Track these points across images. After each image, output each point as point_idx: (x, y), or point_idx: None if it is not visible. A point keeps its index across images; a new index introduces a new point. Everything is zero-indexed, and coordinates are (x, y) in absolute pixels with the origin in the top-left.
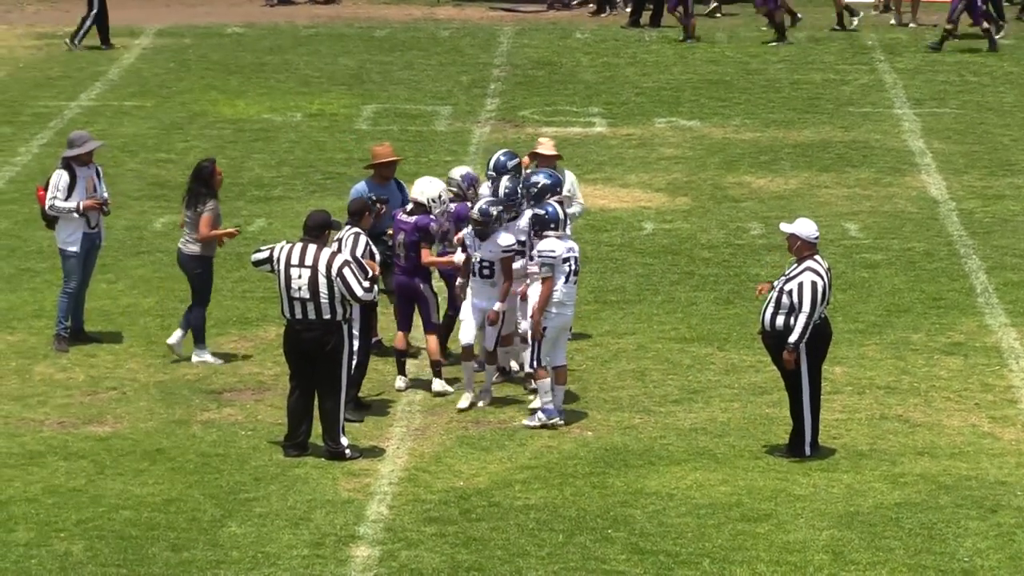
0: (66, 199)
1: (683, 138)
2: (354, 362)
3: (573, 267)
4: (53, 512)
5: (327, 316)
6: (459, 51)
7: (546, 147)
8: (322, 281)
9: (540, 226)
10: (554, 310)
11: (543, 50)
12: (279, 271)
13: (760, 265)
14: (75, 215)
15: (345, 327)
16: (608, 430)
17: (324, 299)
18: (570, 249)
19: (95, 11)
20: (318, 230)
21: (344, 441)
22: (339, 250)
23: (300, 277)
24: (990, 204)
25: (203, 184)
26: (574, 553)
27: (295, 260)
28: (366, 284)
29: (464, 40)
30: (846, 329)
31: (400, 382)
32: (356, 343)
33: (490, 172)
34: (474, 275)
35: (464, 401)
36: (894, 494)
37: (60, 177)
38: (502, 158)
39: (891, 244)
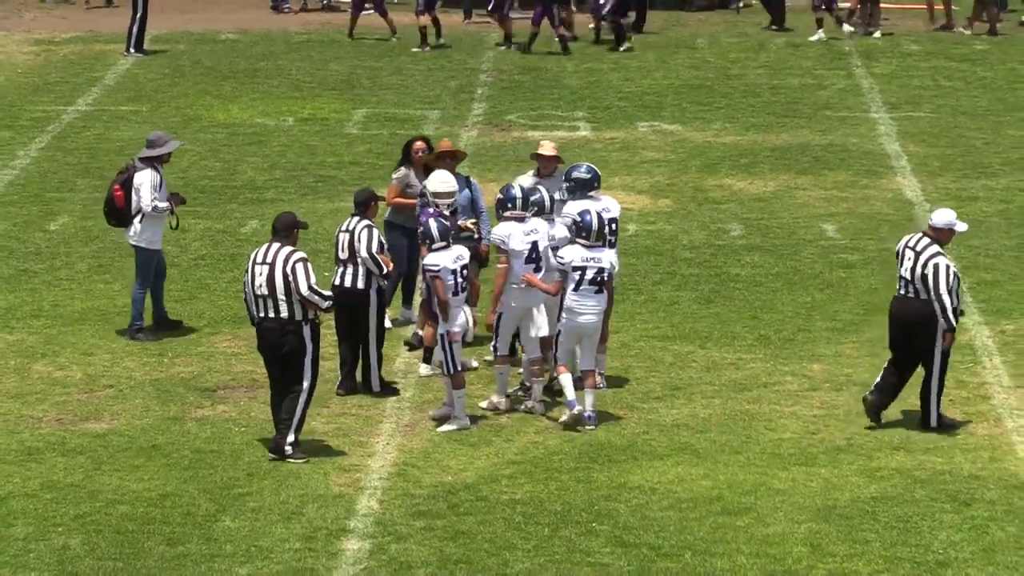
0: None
1: (665, 142)
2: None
3: (589, 276)
4: (51, 507)
5: (284, 315)
6: (446, 57)
7: (546, 148)
8: (279, 276)
9: (576, 232)
10: (564, 316)
11: (528, 56)
12: (247, 269)
13: (740, 265)
14: (166, 214)
15: (307, 327)
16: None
17: (281, 296)
18: (591, 259)
19: (139, 14)
20: (287, 231)
21: (291, 438)
22: (352, 243)
23: (261, 274)
24: (964, 205)
25: (402, 156)
26: (559, 546)
27: (259, 258)
28: (314, 284)
29: (451, 46)
30: (824, 327)
31: (424, 369)
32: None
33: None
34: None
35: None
36: (870, 488)
37: (154, 178)
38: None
39: (867, 244)
